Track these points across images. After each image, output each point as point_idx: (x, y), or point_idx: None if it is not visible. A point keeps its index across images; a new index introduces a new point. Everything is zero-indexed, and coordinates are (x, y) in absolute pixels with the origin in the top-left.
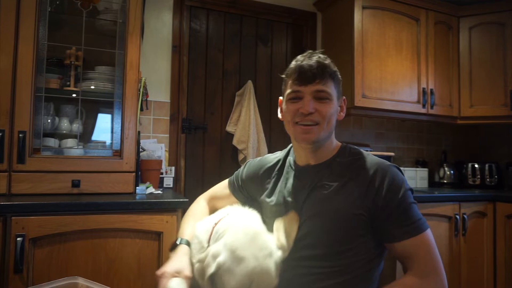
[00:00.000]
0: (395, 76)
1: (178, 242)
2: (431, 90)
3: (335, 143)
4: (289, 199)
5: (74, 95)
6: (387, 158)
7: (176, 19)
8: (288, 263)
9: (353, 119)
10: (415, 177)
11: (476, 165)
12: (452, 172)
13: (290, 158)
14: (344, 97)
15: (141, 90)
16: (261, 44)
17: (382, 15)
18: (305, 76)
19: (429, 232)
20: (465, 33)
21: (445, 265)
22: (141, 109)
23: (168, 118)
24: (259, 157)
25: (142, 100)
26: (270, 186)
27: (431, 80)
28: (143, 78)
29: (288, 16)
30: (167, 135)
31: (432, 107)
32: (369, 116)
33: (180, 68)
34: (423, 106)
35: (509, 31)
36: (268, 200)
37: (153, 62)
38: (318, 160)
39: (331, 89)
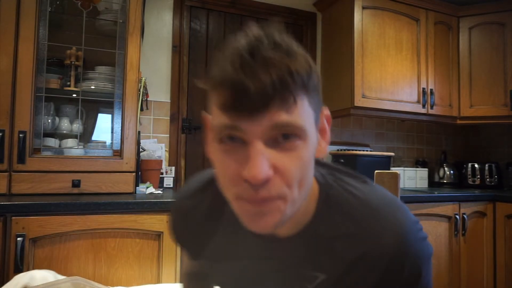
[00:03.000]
0: (395, 76)
1: None
2: (431, 90)
3: (311, 189)
4: None
5: (74, 95)
6: (387, 158)
7: (176, 19)
8: None
9: (353, 119)
10: (415, 177)
11: (476, 165)
12: (452, 172)
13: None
14: (325, 111)
15: (141, 90)
16: None
17: (382, 15)
18: (247, 100)
19: None
20: (465, 33)
21: (444, 265)
22: (141, 109)
23: (168, 118)
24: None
25: (142, 100)
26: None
27: (431, 80)
28: (143, 78)
29: (288, 16)
30: (167, 135)
31: (432, 107)
32: (369, 116)
33: (180, 68)
34: (423, 106)
35: (509, 31)
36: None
37: (153, 62)
38: (286, 229)
39: (304, 114)
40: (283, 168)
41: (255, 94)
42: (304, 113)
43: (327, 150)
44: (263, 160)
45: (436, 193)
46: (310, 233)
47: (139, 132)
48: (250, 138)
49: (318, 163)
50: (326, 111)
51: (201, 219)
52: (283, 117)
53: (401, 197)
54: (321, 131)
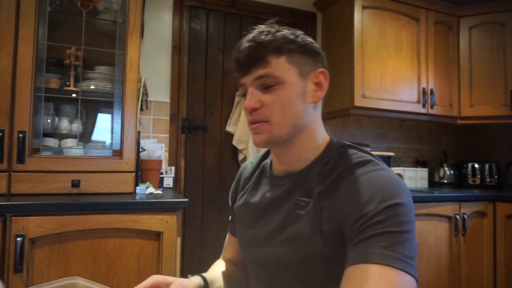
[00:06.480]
0: (395, 76)
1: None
2: (431, 90)
3: (319, 140)
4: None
5: (74, 95)
6: (387, 158)
7: (176, 19)
8: None
9: (353, 119)
10: (415, 177)
11: (476, 165)
12: (452, 172)
13: (267, 161)
14: (321, 69)
15: (141, 90)
16: None
17: (382, 15)
18: (241, 63)
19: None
20: (465, 33)
21: (445, 265)
22: (141, 109)
23: (168, 118)
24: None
25: (142, 100)
26: (245, 195)
27: (431, 80)
28: (143, 78)
29: (288, 16)
30: (167, 135)
31: (432, 107)
32: (369, 116)
33: (180, 68)
34: (423, 106)
35: (509, 31)
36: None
37: (153, 62)
38: (293, 165)
39: (280, 67)
40: (266, 102)
41: (242, 62)
42: (281, 67)
43: (322, 95)
44: (251, 97)
45: (436, 193)
46: (310, 168)
47: (139, 132)
48: (247, 87)
49: (355, 147)
50: (321, 70)
51: (247, 176)
52: (260, 71)
53: None
54: (317, 84)
